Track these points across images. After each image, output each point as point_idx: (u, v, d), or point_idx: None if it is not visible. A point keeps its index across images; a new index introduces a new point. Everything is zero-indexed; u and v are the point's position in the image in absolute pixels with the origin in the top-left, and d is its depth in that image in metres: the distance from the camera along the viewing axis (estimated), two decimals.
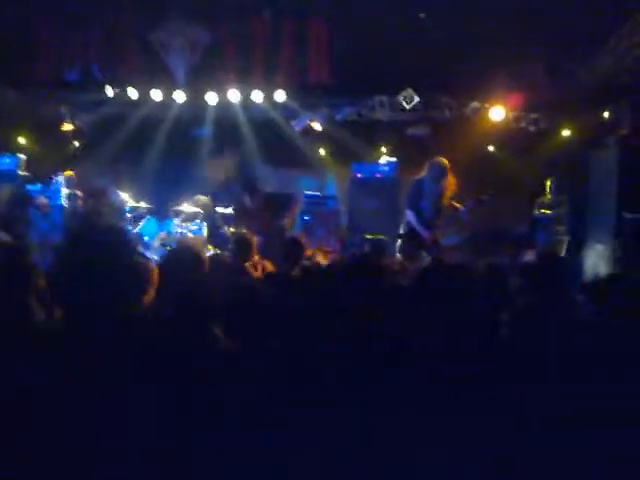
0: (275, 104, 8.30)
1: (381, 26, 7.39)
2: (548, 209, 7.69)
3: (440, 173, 6.16)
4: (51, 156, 8.45)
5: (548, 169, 7.98)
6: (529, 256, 6.27)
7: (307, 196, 8.08)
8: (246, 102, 8.24)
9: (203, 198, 7.85)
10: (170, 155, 8.47)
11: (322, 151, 9.17)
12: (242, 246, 4.57)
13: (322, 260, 5.51)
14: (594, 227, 6.98)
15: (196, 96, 8.14)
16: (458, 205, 6.36)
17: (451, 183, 6.27)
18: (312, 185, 9.16)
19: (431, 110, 8.27)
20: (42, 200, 7.05)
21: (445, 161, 6.22)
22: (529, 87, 7.56)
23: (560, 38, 7.07)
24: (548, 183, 7.77)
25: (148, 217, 7.59)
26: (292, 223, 6.94)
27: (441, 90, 8.11)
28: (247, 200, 6.34)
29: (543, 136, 8.28)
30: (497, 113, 8.05)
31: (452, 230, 7.42)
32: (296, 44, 8.06)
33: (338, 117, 8.62)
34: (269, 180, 8.70)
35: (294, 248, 4.72)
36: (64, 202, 7.38)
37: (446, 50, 7.38)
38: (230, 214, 7.71)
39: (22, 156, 8.00)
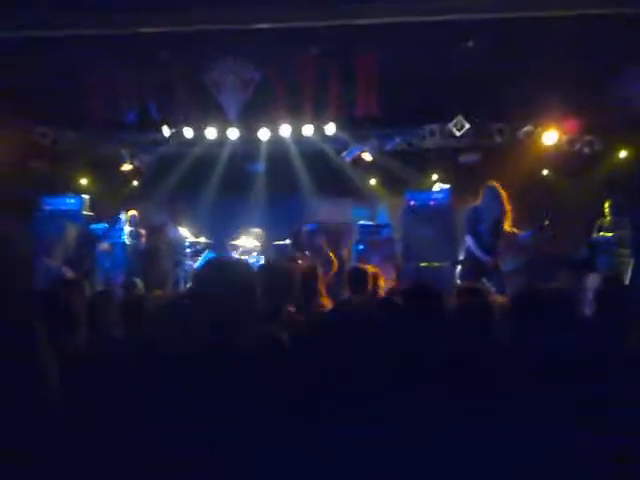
0: (325, 137, 8.44)
1: (428, 54, 7.48)
2: (608, 232, 7.54)
3: (494, 197, 6.15)
4: (112, 196, 8.75)
5: (606, 191, 7.85)
6: (592, 280, 6.15)
7: (361, 225, 8.12)
8: (297, 136, 8.41)
9: (257, 230, 8.00)
10: (226, 191, 8.67)
11: (373, 181, 9.25)
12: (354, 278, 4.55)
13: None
14: None
15: (249, 133, 8.34)
16: (516, 230, 6.32)
17: (507, 205, 6.25)
18: (364, 214, 9.22)
19: (482, 136, 8.28)
20: (104, 246, 7.28)
21: (497, 185, 6.21)
22: (584, 111, 7.50)
23: (611, 60, 7.03)
24: (607, 205, 7.63)
25: (207, 251, 7.75)
26: (349, 253, 6.99)
27: (492, 115, 8.11)
28: (304, 231, 6.41)
29: (598, 158, 8.18)
30: (550, 137, 8.00)
31: (510, 255, 7.35)
32: (344, 78, 8.21)
33: (388, 147, 8.70)
34: (322, 211, 8.80)
35: (357, 277, 4.71)
36: (127, 240, 7.60)
37: (496, 75, 7.42)
38: (285, 245, 7.81)
39: (85, 196, 8.29)
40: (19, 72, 7.46)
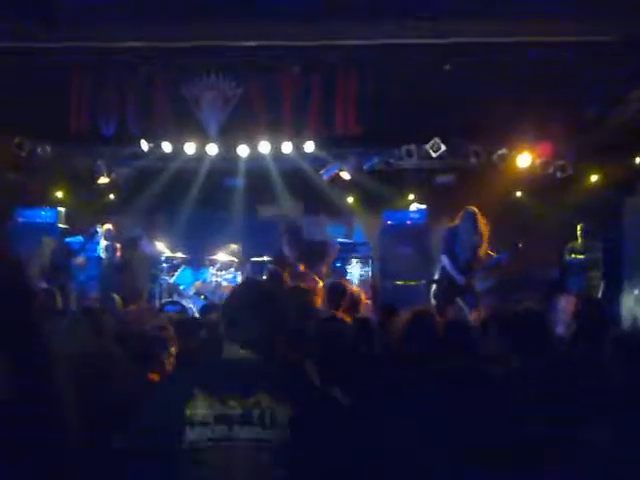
0: (304, 154, 8.50)
1: (407, 76, 7.61)
2: (580, 254, 7.71)
3: (473, 222, 6.27)
4: (88, 209, 8.67)
5: (578, 214, 8.03)
6: (563, 301, 6.28)
7: (339, 243, 8.17)
8: (276, 153, 8.46)
9: (234, 246, 7.99)
10: (204, 206, 8.67)
11: (350, 199, 9.32)
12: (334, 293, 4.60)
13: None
14: (631, 271, 6.97)
15: (228, 148, 8.35)
16: (490, 252, 6.44)
17: (485, 231, 6.37)
18: (340, 232, 9.29)
19: (458, 158, 8.42)
20: (79, 260, 7.22)
21: (476, 210, 6.34)
22: (557, 136, 7.68)
23: (585, 87, 7.23)
24: (579, 228, 7.81)
25: (184, 266, 7.72)
26: (328, 271, 7.02)
27: (468, 138, 8.26)
28: (287, 249, 6.43)
29: (571, 181, 8.37)
30: (524, 160, 8.17)
31: (483, 275, 7.45)
32: (324, 96, 8.29)
33: (366, 166, 8.78)
34: None
35: (337, 293, 4.75)
36: (102, 254, 7.54)
37: (472, 98, 7.57)
38: (262, 262, 7.81)
39: (61, 209, 8.22)
40: None
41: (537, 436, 2.27)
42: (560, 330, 4.11)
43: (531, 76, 6.98)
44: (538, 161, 8.27)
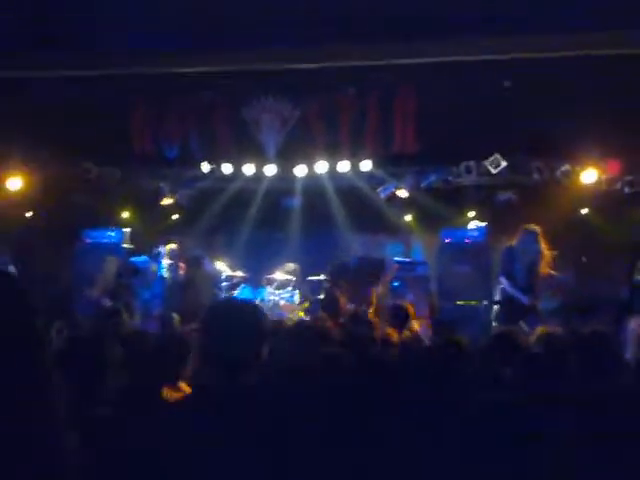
0: (361, 173, 8.51)
1: (466, 92, 7.53)
2: None
3: (532, 241, 6.11)
4: (152, 229, 8.94)
5: None
6: (633, 323, 6.01)
7: (396, 262, 8.11)
8: (333, 172, 8.50)
9: (292, 265, 8.05)
10: (262, 225, 8.78)
11: (408, 217, 9.25)
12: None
13: (416, 327, 5.48)
14: None
15: (286, 169, 8.46)
16: (553, 272, 6.26)
17: (545, 250, 6.20)
18: (398, 251, 9.22)
19: (519, 174, 8.23)
20: (153, 267, 7.42)
21: (537, 228, 6.18)
22: (624, 150, 7.42)
23: None
24: None
25: (243, 285, 7.83)
26: (386, 290, 6.98)
27: (530, 154, 8.08)
28: (350, 265, 6.45)
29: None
30: (589, 176, 7.91)
31: (547, 296, 7.23)
32: (381, 115, 8.30)
33: (424, 184, 8.70)
34: (356, 247, 8.83)
35: (401, 315, 4.73)
36: (165, 273, 7.73)
37: (534, 113, 7.42)
38: (319, 280, 7.84)
39: (126, 230, 8.50)
40: (65, 109, 7.77)
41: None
42: (629, 354, 3.94)
43: (595, 89, 6.78)
44: (604, 177, 7.98)
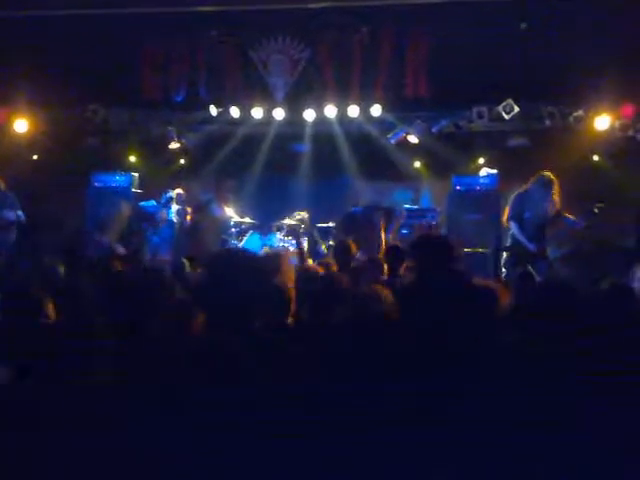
0: (371, 118, 8.38)
1: (479, 37, 7.34)
2: None
3: (546, 188, 6.06)
4: (159, 174, 8.89)
5: None
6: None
7: (405, 209, 8.08)
8: (342, 117, 8.38)
9: (302, 213, 8.04)
10: (271, 171, 8.71)
11: (417, 164, 9.16)
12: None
13: None
14: None
15: (295, 113, 8.34)
16: (569, 216, 6.22)
17: (558, 197, 6.16)
18: (407, 198, 9.16)
19: (532, 120, 8.11)
20: (163, 214, 7.44)
21: (551, 175, 6.12)
22: (638, 95, 7.27)
23: None
24: None
25: (251, 232, 7.84)
26: (395, 237, 6.99)
27: (543, 99, 7.93)
28: (359, 213, 6.44)
29: None
30: (602, 122, 7.78)
31: (558, 242, 7.22)
32: (393, 58, 8.12)
33: (434, 129, 8.58)
34: (365, 194, 8.77)
35: (397, 256, 4.73)
36: (174, 218, 7.74)
37: (548, 59, 7.25)
38: (328, 227, 7.85)
39: (135, 174, 8.46)
40: (71, 50, 7.62)
41: None
42: None
43: (610, 32, 6.59)
44: (617, 123, 7.86)
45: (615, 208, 7.45)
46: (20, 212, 7.11)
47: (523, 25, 7.18)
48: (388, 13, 7.73)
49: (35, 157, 8.73)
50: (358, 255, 5.31)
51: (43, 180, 8.24)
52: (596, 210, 6.12)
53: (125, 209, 7.26)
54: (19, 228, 7.01)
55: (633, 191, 7.92)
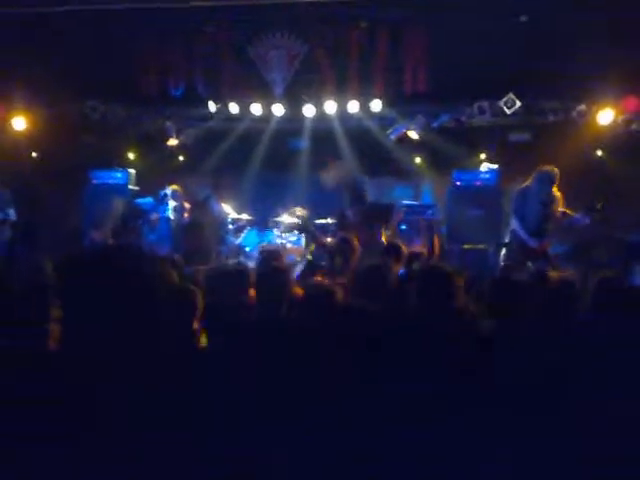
0: (371, 114, 8.30)
1: (480, 30, 7.23)
2: None
3: (547, 183, 5.95)
4: (157, 170, 8.83)
5: None
6: None
7: (405, 205, 8.00)
8: (342, 113, 8.29)
9: (300, 210, 7.96)
10: (269, 167, 8.64)
11: (418, 159, 9.07)
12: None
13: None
14: None
15: (294, 109, 8.26)
16: (569, 211, 6.11)
17: (560, 193, 6.06)
18: (407, 194, 9.08)
19: (534, 114, 8.00)
20: (154, 216, 7.39)
21: (553, 170, 6.00)
22: None
23: None
24: None
25: (249, 228, 7.78)
26: (393, 234, 6.90)
27: (545, 93, 7.82)
28: (349, 212, 6.36)
29: None
30: (605, 116, 7.66)
31: (559, 238, 7.12)
32: (392, 53, 8.03)
33: (435, 124, 8.49)
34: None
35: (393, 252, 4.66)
36: (171, 215, 7.69)
37: (549, 51, 7.13)
38: (326, 224, 7.76)
39: (132, 170, 8.41)
40: (68, 47, 7.57)
41: None
42: None
43: (613, 26, 6.48)
44: (621, 117, 7.74)
45: (619, 204, 7.35)
46: (12, 210, 7.05)
47: (523, 17, 7.07)
48: (387, 7, 7.63)
49: (33, 154, 8.69)
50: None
51: (41, 177, 8.20)
52: (599, 207, 6.01)
53: (119, 205, 7.22)
54: (12, 226, 6.95)
55: (636, 185, 7.81)
